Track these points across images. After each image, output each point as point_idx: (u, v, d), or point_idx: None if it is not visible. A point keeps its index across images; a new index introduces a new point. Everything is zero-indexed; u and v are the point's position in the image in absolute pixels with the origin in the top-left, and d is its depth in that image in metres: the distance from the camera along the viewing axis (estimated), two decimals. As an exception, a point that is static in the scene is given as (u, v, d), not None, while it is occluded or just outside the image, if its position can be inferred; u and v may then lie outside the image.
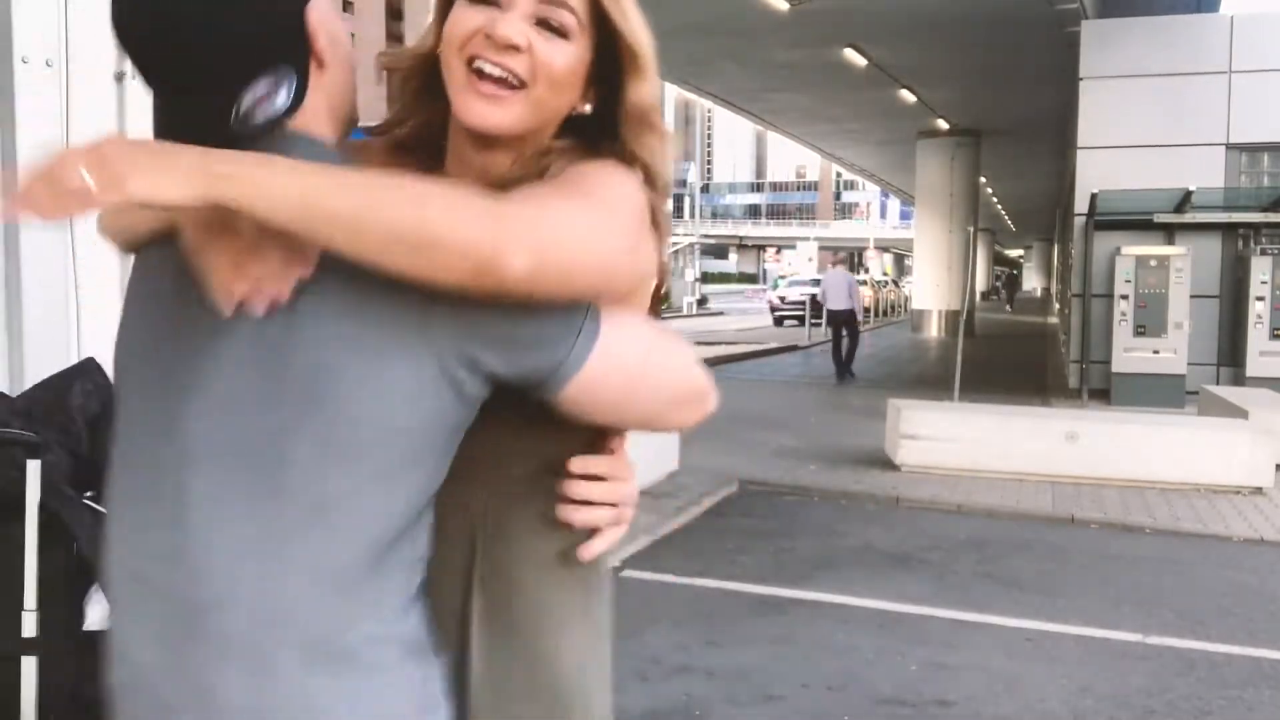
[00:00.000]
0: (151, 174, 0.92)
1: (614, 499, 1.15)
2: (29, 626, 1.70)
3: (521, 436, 1.12)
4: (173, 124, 1.02)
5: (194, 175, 0.92)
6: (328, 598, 1.00)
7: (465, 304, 0.96)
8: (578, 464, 1.13)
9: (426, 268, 0.93)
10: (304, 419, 0.99)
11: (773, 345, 22.08)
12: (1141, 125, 13.67)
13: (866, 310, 18.07)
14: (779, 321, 31.14)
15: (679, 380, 1.14)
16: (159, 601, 1.03)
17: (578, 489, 1.13)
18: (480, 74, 1.08)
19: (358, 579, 1.01)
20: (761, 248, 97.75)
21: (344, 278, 0.97)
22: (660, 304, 1.23)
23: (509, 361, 1.01)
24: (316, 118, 1.09)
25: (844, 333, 15.91)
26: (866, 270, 57.07)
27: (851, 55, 16.67)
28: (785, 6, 13.68)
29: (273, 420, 1.00)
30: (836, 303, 16.04)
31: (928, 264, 25.28)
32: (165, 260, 1.08)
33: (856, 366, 16.01)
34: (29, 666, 1.70)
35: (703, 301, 45.09)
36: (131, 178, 0.92)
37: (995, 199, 39.89)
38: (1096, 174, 13.73)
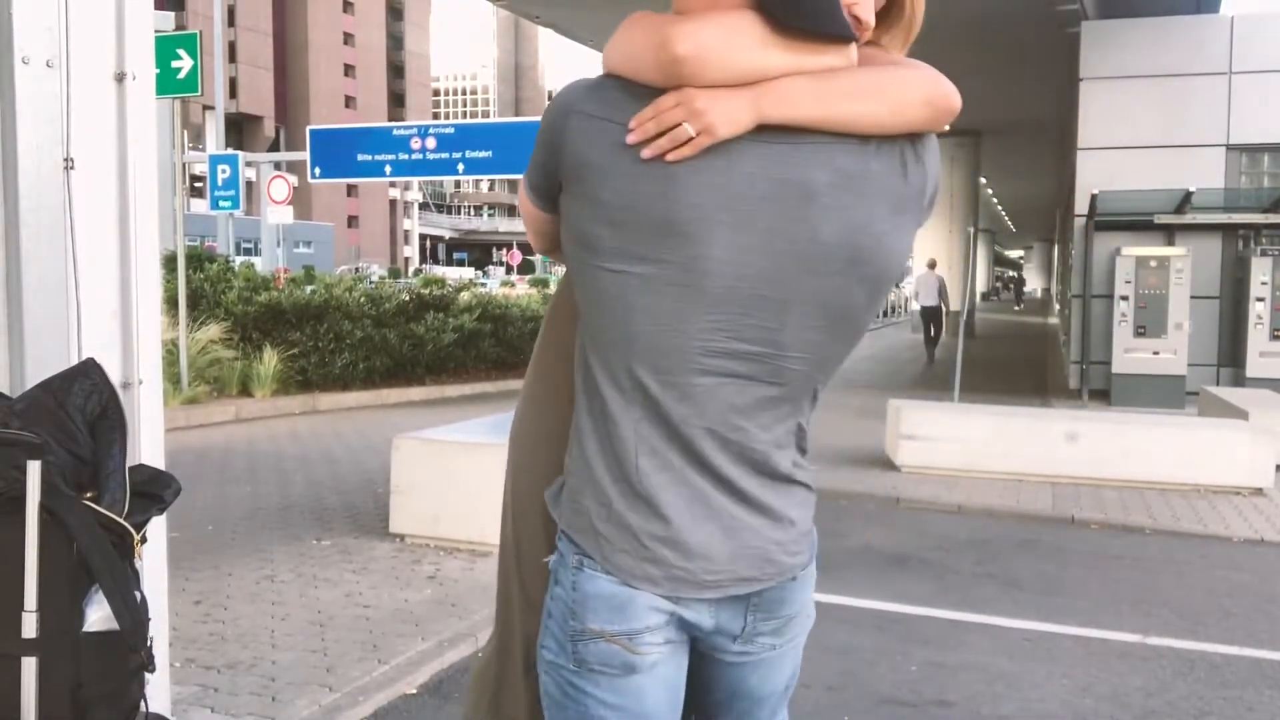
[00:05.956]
0: (730, 116, 1.24)
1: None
2: (29, 627, 1.69)
3: None
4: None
5: (749, 109, 1.26)
6: None
7: None
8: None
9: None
10: None
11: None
12: (1141, 126, 13.67)
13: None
14: None
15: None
16: None
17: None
18: None
19: None
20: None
21: None
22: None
23: None
24: None
25: (932, 325, 19.24)
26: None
27: (852, 56, 16.67)
28: (785, 7, 13.65)
29: None
30: (927, 300, 19.56)
31: (928, 265, 25.26)
32: None
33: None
34: (29, 666, 1.70)
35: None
36: (720, 126, 1.24)
37: (995, 199, 39.85)
38: (1096, 175, 13.73)
